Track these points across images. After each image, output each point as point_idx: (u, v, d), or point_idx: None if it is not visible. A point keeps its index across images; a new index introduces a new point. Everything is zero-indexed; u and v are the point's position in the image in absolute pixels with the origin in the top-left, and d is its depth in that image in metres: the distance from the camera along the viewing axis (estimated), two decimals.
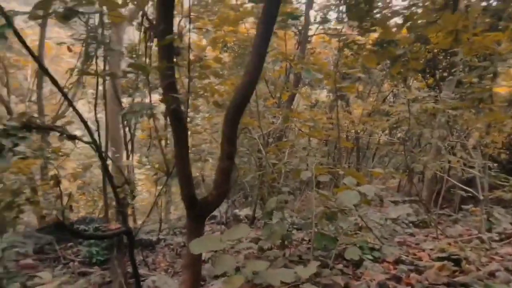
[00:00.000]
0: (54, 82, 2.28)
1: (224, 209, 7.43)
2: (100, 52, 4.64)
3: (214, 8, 7.38)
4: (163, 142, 7.77)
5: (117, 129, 5.95)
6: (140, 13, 2.74)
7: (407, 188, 11.12)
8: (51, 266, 5.04)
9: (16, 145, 4.75)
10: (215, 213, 7.94)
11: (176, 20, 5.78)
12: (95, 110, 4.42)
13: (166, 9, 1.76)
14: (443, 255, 3.70)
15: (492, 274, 3.15)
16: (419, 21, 3.28)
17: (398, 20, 3.97)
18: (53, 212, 7.33)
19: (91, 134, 2.72)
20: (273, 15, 1.83)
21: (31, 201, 6.42)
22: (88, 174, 6.12)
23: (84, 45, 4.62)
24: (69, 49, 3.94)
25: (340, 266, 3.76)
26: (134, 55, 2.92)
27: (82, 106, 8.84)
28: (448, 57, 8.19)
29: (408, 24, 3.11)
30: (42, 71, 2.17)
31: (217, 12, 7.35)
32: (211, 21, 6.84)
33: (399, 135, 10.86)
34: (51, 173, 7.01)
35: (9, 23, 1.85)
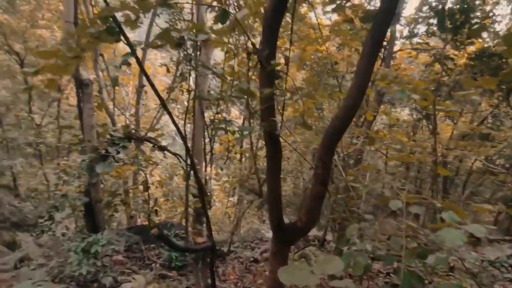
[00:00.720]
0: (161, 100, 2.52)
1: None
2: (192, 71, 5.08)
3: (294, 27, 7.48)
4: (238, 157, 8.05)
5: (200, 143, 6.37)
6: (241, 35, 2.88)
7: (506, 225, 9.47)
8: (137, 264, 5.52)
9: (118, 153, 5.40)
10: (301, 238, 7.83)
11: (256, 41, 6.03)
12: (184, 123, 4.80)
13: (273, 34, 1.80)
14: None
15: None
16: None
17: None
18: (140, 214, 8.15)
19: (187, 147, 2.93)
20: (382, 34, 1.73)
21: (124, 202, 7.24)
22: (171, 182, 6.64)
23: (177, 66, 5.12)
24: (168, 70, 4.39)
25: None
26: (236, 80, 3.08)
27: (169, 119, 9.73)
28: None
29: None
30: (153, 91, 2.42)
31: (297, 31, 7.46)
32: (290, 41, 6.94)
33: (498, 162, 9.34)
34: (141, 179, 7.82)
35: (133, 52, 2.11)
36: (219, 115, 7.12)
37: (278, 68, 2.04)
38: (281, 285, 2.36)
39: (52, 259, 4.86)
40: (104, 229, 5.50)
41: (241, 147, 7.82)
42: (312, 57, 7.14)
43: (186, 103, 7.46)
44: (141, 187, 7.74)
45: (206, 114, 7.96)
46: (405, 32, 7.82)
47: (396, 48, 7.78)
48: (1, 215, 7.66)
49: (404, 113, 12.46)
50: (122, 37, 2.18)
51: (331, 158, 1.95)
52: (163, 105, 2.63)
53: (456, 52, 7.41)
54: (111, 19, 2.14)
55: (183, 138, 2.78)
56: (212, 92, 5.93)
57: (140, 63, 2.14)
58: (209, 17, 6.84)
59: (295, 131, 5.09)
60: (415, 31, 8.00)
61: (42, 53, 1.88)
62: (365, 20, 2.45)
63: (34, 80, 9.08)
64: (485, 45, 7.39)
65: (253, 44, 1.84)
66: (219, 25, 2.12)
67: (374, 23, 1.70)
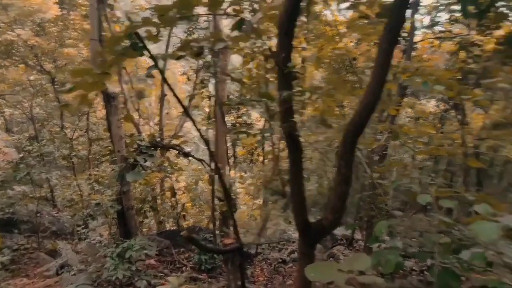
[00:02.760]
0: (184, 108, 2.62)
1: None
2: (211, 78, 5.20)
3: (310, 26, 7.45)
4: (261, 159, 8.11)
5: (222, 148, 6.48)
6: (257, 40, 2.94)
7: None
8: (168, 268, 5.70)
9: (145, 161, 5.60)
10: (327, 236, 7.78)
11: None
12: (206, 129, 4.91)
13: (288, 38, 1.84)
14: None
15: None
16: None
17: None
18: (169, 219, 8.40)
19: (211, 152, 3.02)
20: (397, 29, 1.72)
21: (153, 208, 7.50)
22: (197, 187, 6.81)
23: (197, 73, 5.26)
24: (188, 78, 4.52)
25: None
26: (254, 84, 3.14)
27: (191, 126, 9.97)
28: None
29: None
30: (176, 99, 2.51)
31: (313, 29, 7.41)
32: (307, 39, 6.92)
33: None
34: (168, 185, 8.08)
35: (156, 65, 2.22)
36: (240, 119, 7.22)
37: (295, 69, 2.07)
38: (309, 284, 2.38)
39: (90, 265, 5.12)
40: (136, 235, 5.72)
41: (263, 149, 7.87)
42: (330, 54, 7.07)
43: (207, 109, 7.63)
44: (168, 193, 8.01)
45: (227, 119, 8.11)
46: (426, 21, 7.55)
47: (417, 39, 7.53)
48: (42, 225, 8.16)
49: (430, 105, 12.01)
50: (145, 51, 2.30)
51: (353, 155, 1.95)
52: (186, 112, 2.74)
53: (482, 38, 7.06)
54: (134, 35, 2.26)
55: (207, 143, 2.87)
56: (231, 96, 6.03)
57: (163, 74, 2.24)
58: (224, 23, 6.97)
59: (317, 130, 5.06)
60: (437, 19, 7.71)
61: (75, 72, 2.02)
62: (381, 16, 2.42)
63: (64, 97, 9.62)
64: None
65: (269, 48, 1.88)
66: (237, 32, 2.19)
67: (390, 18, 1.69)
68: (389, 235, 4.06)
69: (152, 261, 5.48)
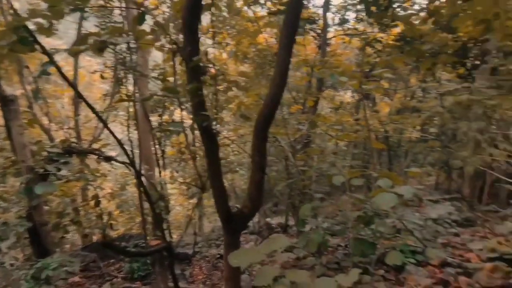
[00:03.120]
0: (92, 108, 2.43)
1: (256, 219, 7.44)
2: (129, 76, 4.90)
3: (232, 22, 7.54)
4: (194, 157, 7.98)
5: (148, 147, 6.19)
6: (163, 35, 2.86)
7: (445, 186, 10.57)
8: (96, 283, 5.27)
9: (59, 170, 5.05)
10: (248, 223, 7.97)
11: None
12: (128, 130, 4.63)
13: (192, 33, 1.83)
14: (494, 255, 3.46)
15: None
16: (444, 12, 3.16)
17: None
18: (95, 231, 7.73)
19: (127, 154, 2.86)
20: (295, 25, 1.86)
21: (75, 221, 6.81)
22: (125, 192, 6.39)
23: (114, 71, 4.90)
24: (102, 76, 4.19)
25: (381, 271, 3.63)
26: (162, 77, 3.04)
27: (115, 127, 9.30)
28: (479, 44, 7.79)
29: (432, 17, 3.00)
30: (81, 99, 2.32)
31: (235, 25, 7.52)
32: (230, 35, 7.00)
33: (431, 130, 10.38)
34: (91, 194, 7.40)
35: (52, 61, 2.01)
36: (167, 117, 6.96)
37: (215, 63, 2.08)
38: (238, 272, 2.45)
39: None
40: (54, 252, 5.14)
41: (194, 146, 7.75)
42: (253, 50, 7.27)
43: (130, 109, 7.18)
44: (92, 203, 7.34)
45: (153, 118, 7.75)
46: (337, 19, 8.27)
47: (330, 35, 8.20)
48: None
49: (347, 96, 13.23)
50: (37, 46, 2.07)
51: (265, 144, 2.06)
52: (95, 113, 2.54)
53: (383, 35, 8.02)
54: (23, 28, 2.02)
55: (121, 144, 2.72)
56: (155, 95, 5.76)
57: (60, 71, 2.04)
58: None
59: (242, 124, 5.19)
60: (346, 17, 8.51)
61: None
62: (281, 12, 2.58)
63: None
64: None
65: (175, 42, 1.86)
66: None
67: (287, 14, 1.81)
68: (313, 217, 4.39)
69: (76, 278, 5.00)
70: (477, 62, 8.10)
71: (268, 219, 8.76)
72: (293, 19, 1.79)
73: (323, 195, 4.67)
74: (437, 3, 3.43)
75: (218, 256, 6.59)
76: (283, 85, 1.89)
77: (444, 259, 3.67)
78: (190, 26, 1.80)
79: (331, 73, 3.35)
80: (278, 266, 4.66)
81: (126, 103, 5.16)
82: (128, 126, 4.62)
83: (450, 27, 4.18)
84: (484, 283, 2.92)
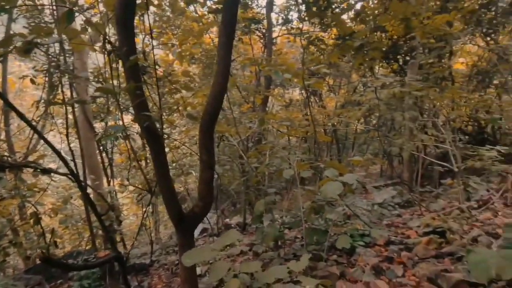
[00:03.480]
0: (22, 116, 2.23)
1: (214, 220, 7.39)
2: (65, 80, 4.54)
3: (176, 22, 7.38)
4: (143, 162, 7.67)
5: (94, 156, 5.80)
6: (101, 36, 2.72)
7: (388, 172, 11.49)
8: None
9: None
10: (207, 225, 7.87)
11: (139, 39, 5.76)
12: (67, 139, 4.30)
13: (127, 30, 1.77)
14: (429, 229, 3.87)
15: (475, 240, 3.32)
16: (371, 12, 3.45)
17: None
18: (37, 251, 7.03)
19: (66, 164, 2.66)
20: (232, 24, 1.89)
21: (14, 243, 6.13)
22: (69, 206, 5.92)
23: (47, 75, 4.51)
24: (32, 81, 3.83)
25: (334, 256, 3.84)
26: (100, 79, 2.89)
27: (53, 137, 8.56)
28: (408, 42, 8.61)
29: (360, 16, 3.26)
30: (9, 107, 2.11)
31: (180, 25, 7.37)
32: (175, 35, 6.85)
33: (374, 122, 11.23)
34: (30, 211, 6.70)
35: None
36: (113, 122, 6.59)
37: (145, 64, 2.02)
38: (194, 273, 2.43)
39: None
40: None
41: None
42: (200, 50, 7.20)
43: (70, 116, 6.67)
44: (31, 221, 6.66)
45: (96, 125, 7.29)
46: (280, 20, 8.52)
47: (275, 35, 8.44)
48: None
49: (296, 94, 13.71)
50: None
51: (212, 142, 2.07)
52: (26, 121, 2.33)
53: (324, 34, 8.46)
54: None
55: (59, 155, 2.53)
56: (95, 97, 5.44)
57: None
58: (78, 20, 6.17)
59: (192, 126, 5.12)
60: (289, 17, 8.81)
61: None
62: (216, 11, 2.61)
63: None
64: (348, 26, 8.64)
65: (109, 42, 1.78)
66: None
67: (224, 14, 1.84)
68: (268, 212, 4.49)
69: None
70: (408, 58, 8.96)
71: (226, 220, 8.75)
72: (230, 18, 1.83)
73: (277, 190, 4.80)
74: (365, 3, 3.73)
75: (177, 262, 6.43)
76: (225, 83, 1.92)
77: (388, 238, 4.00)
78: (125, 24, 1.74)
79: (275, 70, 3.45)
80: (237, 264, 4.69)
81: (64, 110, 4.78)
82: (67, 135, 4.28)
83: (382, 27, 4.58)
84: (421, 255, 3.25)
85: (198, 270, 5.20)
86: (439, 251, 3.26)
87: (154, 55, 2.04)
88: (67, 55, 4.16)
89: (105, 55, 4.68)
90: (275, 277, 1.67)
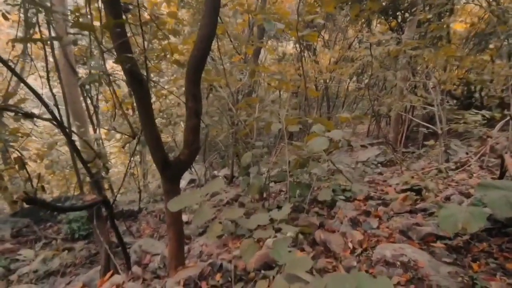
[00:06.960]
0: None
1: (202, 172, 7.51)
2: (43, 19, 4.19)
3: None
4: (130, 111, 7.51)
5: (78, 102, 5.61)
6: None
7: (375, 132, 11.70)
8: (32, 247, 5.00)
9: None
10: (194, 177, 8.03)
11: None
12: (48, 83, 4.10)
13: None
14: (407, 187, 4.05)
15: (448, 198, 3.51)
16: None
17: None
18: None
19: (48, 109, 2.56)
20: None
21: None
22: (55, 152, 5.86)
23: (22, 11, 4.14)
24: (5, 17, 3.51)
25: (316, 209, 4.02)
26: (78, 15, 2.67)
27: (34, 81, 8.17)
28: None
29: None
30: None
31: None
32: None
33: (366, 80, 11.11)
34: (14, 156, 6.62)
35: None
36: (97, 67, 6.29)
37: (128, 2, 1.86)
38: (179, 218, 2.51)
39: None
40: None
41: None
42: None
43: (51, 59, 6.33)
44: (16, 166, 6.63)
45: (80, 70, 6.95)
46: None
47: None
48: None
49: (290, 47, 13.24)
50: None
51: (199, 88, 2.00)
52: (3, 63, 2.17)
53: None
54: None
55: (40, 98, 2.42)
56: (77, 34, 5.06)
57: None
58: None
59: (181, 75, 4.93)
60: None
61: None
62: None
63: None
64: None
65: None
66: None
67: None
68: (255, 164, 4.57)
69: (8, 245, 4.66)
70: (407, 15, 8.60)
71: (214, 172, 8.91)
72: None
73: (265, 144, 4.83)
74: None
75: (165, 209, 6.65)
76: (213, 26, 1.80)
77: (367, 194, 4.18)
78: None
79: (268, 19, 3.26)
80: (217, 210, 4.88)
81: (43, 52, 4.48)
82: (47, 79, 4.08)
83: None
84: (396, 210, 3.43)
85: (185, 218, 5.41)
86: (413, 207, 3.45)
87: None
88: None
89: None
90: (257, 224, 1.74)
